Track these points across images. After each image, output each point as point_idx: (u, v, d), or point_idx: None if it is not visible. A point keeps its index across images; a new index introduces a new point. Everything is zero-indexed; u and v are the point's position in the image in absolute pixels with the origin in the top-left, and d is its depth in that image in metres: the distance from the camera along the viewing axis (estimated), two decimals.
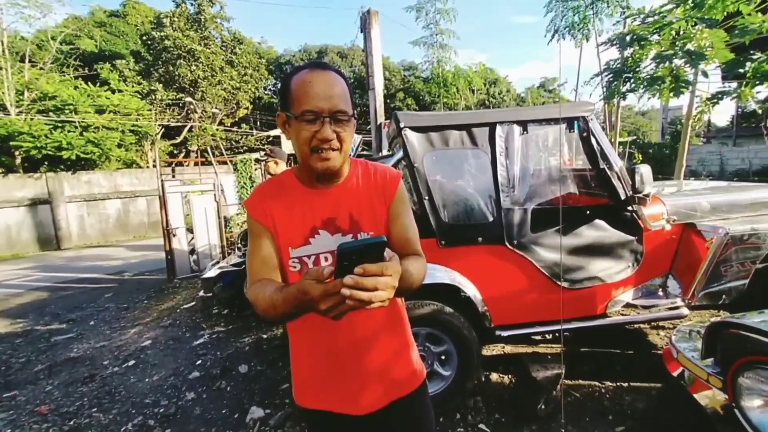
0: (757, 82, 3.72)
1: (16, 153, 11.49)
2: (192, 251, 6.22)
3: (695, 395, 1.13)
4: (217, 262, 4.95)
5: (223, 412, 2.56)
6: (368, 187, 0.96)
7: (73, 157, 11.55)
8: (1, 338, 4.27)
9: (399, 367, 0.97)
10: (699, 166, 15.18)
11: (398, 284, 0.68)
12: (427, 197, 2.21)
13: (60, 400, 2.89)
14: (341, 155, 0.87)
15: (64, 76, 14.34)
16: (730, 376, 1.04)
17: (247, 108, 19.67)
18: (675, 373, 1.24)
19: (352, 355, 0.93)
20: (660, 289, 2.47)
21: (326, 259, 0.90)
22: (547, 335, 2.98)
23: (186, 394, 2.80)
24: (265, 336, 3.63)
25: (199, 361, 3.29)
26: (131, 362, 3.41)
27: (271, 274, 0.90)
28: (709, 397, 1.07)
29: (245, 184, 8.46)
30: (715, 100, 4.12)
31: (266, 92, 24.12)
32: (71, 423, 2.58)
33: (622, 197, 2.29)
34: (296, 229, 0.91)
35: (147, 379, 3.09)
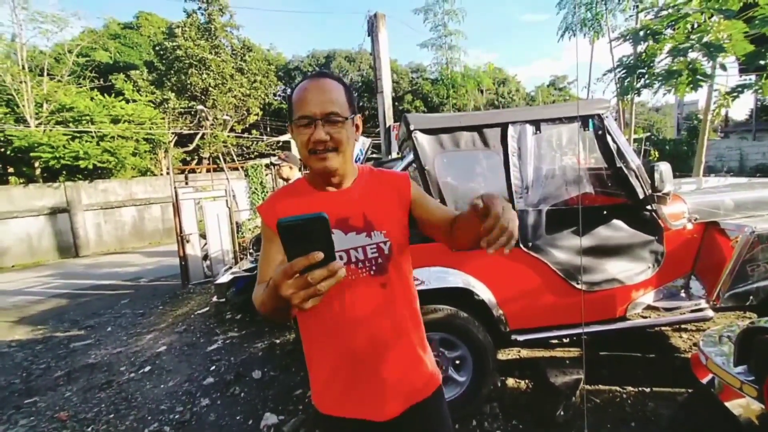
0: None
1: (36, 164, 11.84)
2: (205, 257, 6.29)
3: (727, 404, 1.07)
4: (230, 268, 4.99)
5: (238, 418, 2.56)
6: (379, 190, 0.98)
7: (90, 167, 11.85)
8: (22, 345, 4.38)
9: (416, 372, 0.96)
10: (717, 162, 14.78)
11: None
12: (438, 200, 2.17)
13: (78, 406, 2.93)
14: (339, 156, 0.90)
15: (81, 87, 14.72)
16: (766, 385, 0.98)
17: (257, 114, 19.90)
18: (704, 380, 1.18)
19: (371, 359, 0.92)
20: (682, 291, 2.39)
21: (341, 257, 0.90)
22: (564, 339, 2.91)
23: (201, 400, 2.81)
24: (278, 341, 3.64)
25: (213, 367, 3.31)
26: (147, 368, 3.45)
27: None
28: (743, 406, 1.01)
29: (256, 189, 8.54)
30: (735, 94, 3.99)
31: (276, 98, 24.40)
32: (89, 429, 2.61)
33: (641, 196, 2.22)
34: None
35: (162, 385, 3.12)
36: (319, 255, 0.61)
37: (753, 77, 4.22)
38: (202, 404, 2.76)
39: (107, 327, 4.73)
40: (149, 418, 2.67)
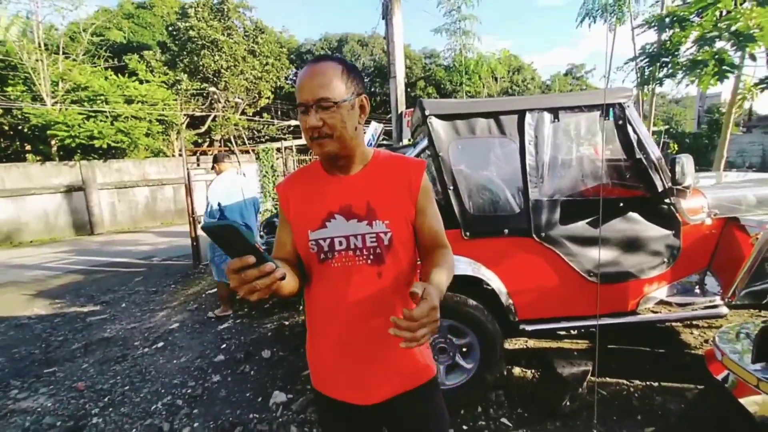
0: None
1: (52, 142, 12.03)
2: None
3: (742, 400, 1.06)
4: None
5: (247, 395, 2.63)
6: (390, 177, 0.97)
7: (105, 146, 11.98)
8: (41, 318, 4.53)
9: (408, 361, 0.97)
10: (738, 157, 14.35)
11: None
12: (451, 187, 2.15)
13: (95, 377, 3.04)
14: (335, 141, 0.89)
15: (95, 67, 14.77)
16: None
17: (268, 97, 19.81)
18: (719, 377, 1.16)
19: (361, 346, 0.94)
20: (697, 287, 2.35)
21: (340, 243, 0.93)
22: (572, 331, 2.90)
23: (212, 377, 2.89)
24: (287, 322, 3.70)
25: (224, 345, 3.39)
26: (160, 344, 3.55)
27: (284, 256, 1.00)
28: (759, 403, 1.00)
29: (267, 173, 8.56)
30: (764, 86, 3.83)
31: (287, 82, 24.22)
32: (106, 399, 2.71)
33: (660, 189, 2.17)
34: (315, 213, 0.95)
35: (175, 361, 3.21)
36: (251, 258, 0.66)
37: None
38: (213, 380, 2.84)
39: (122, 303, 4.86)
40: (163, 391, 2.76)
